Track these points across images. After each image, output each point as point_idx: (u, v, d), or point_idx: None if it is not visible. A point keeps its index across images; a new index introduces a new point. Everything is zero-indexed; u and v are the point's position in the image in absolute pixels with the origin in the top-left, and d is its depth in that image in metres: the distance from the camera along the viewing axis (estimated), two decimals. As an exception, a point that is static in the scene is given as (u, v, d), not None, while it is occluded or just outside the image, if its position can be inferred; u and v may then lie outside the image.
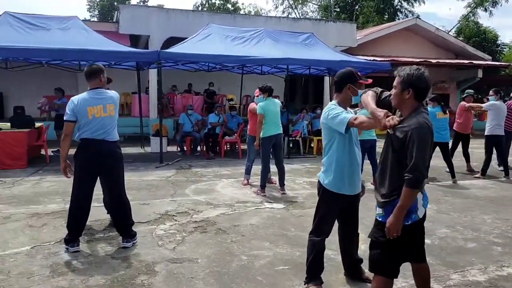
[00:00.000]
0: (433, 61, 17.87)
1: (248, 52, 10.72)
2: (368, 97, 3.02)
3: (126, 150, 11.58)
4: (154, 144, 11.05)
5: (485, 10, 32.45)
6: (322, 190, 3.47)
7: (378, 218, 2.86)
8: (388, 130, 2.76)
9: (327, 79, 16.30)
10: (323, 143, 3.51)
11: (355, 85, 3.37)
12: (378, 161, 3.08)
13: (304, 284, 3.52)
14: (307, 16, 38.56)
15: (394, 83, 2.80)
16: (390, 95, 2.92)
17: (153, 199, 6.30)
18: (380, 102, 2.95)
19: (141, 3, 37.55)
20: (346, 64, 11.60)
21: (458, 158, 9.26)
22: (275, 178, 7.23)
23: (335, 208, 3.47)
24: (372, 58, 16.86)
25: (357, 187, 3.45)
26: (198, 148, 11.38)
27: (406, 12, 36.08)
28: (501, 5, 32.25)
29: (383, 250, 2.82)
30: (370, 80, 3.44)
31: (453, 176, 7.97)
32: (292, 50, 11.23)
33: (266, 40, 11.53)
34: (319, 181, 3.50)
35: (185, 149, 11.30)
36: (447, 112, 8.15)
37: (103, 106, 4.18)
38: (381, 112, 2.80)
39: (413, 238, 2.85)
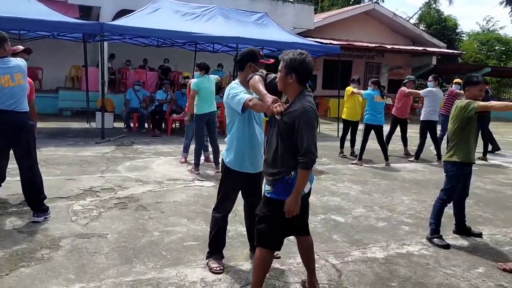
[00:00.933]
0: (388, 46, 18.20)
1: (198, 29, 10.56)
2: (256, 81, 3.06)
3: (71, 125, 11.35)
4: (99, 119, 10.83)
5: (446, -3, 33.04)
6: (224, 168, 3.52)
7: (266, 194, 2.95)
8: (276, 116, 2.82)
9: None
10: (226, 121, 3.54)
11: (256, 64, 3.40)
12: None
13: (206, 259, 3.60)
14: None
15: (279, 67, 2.86)
16: (275, 77, 2.99)
17: (81, 175, 6.21)
18: (267, 85, 3.01)
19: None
20: (298, 45, 11.63)
21: (398, 142, 9.57)
22: (212, 156, 7.26)
23: (237, 186, 3.53)
24: (329, 41, 17.01)
25: (259, 165, 3.50)
26: (146, 126, 11.24)
27: (370, -3, 36.47)
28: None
29: (269, 225, 2.92)
30: (272, 60, 3.48)
31: (386, 159, 8.22)
32: (243, 29, 11.15)
33: (218, 18, 11.40)
34: (222, 159, 3.54)
35: (132, 125, 11.13)
36: (385, 97, 8.35)
37: (10, 76, 4.05)
38: (270, 98, 2.86)
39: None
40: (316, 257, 3.84)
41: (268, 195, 2.93)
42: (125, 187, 5.73)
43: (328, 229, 4.60)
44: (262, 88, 2.98)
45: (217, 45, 12.10)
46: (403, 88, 9.18)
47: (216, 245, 3.59)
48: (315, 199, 5.71)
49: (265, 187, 2.98)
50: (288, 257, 3.83)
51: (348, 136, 8.96)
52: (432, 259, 3.95)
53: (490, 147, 10.16)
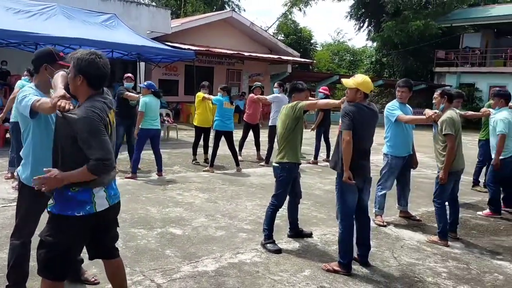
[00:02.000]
0: (246, 54, 18.70)
1: (37, 28, 9.49)
2: (57, 76, 2.69)
3: None
4: None
5: (300, 9, 35.57)
6: (21, 186, 3.00)
7: (48, 209, 2.58)
8: (58, 113, 2.44)
9: (142, 65, 15.69)
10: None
11: (53, 66, 2.96)
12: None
13: (2, 294, 3.05)
14: (135, -1, 36.93)
15: (69, 69, 2.52)
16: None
17: None
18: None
19: None
20: (148, 49, 11.28)
21: (253, 147, 9.74)
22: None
23: (35, 206, 3.02)
24: (188, 46, 16.84)
25: None
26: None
27: (233, 5, 37.42)
28: (311, 6, 35.74)
29: (54, 249, 2.49)
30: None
31: (237, 164, 8.27)
32: (88, 30, 10.35)
33: (59, 17, 10.42)
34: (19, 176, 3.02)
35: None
36: (233, 103, 8.41)
37: None
38: (58, 92, 2.48)
39: (95, 233, 2.65)
40: (141, 277, 3.57)
41: (49, 209, 2.56)
42: None
43: (162, 244, 4.32)
44: (61, 84, 2.59)
45: (59, 46, 10.98)
46: (251, 95, 9.39)
47: (15, 276, 3.04)
48: (155, 211, 5.41)
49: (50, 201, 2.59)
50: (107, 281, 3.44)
51: (201, 143, 8.83)
52: (262, 266, 3.92)
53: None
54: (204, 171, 8.05)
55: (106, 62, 2.56)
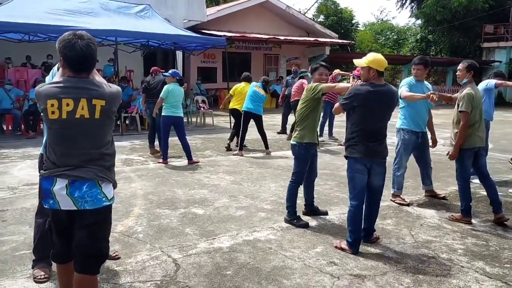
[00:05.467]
0: (282, 37, 18.62)
1: (73, 22, 9.95)
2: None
3: None
4: (-33, 124, 9.85)
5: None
6: None
7: None
8: None
9: (180, 54, 16.04)
10: None
11: None
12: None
13: (32, 268, 3.34)
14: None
15: None
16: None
17: None
18: None
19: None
20: (181, 37, 11.53)
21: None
22: None
23: None
24: (224, 33, 17.01)
25: None
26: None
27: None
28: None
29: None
30: None
31: (266, 147, 8.39)
32: (123, 22, 10.72)
33: (96, 10, 10.83)
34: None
35: (4, 128, 10.24)
36: (268, 90, 8.58)
37: None
38: None
39: (61, 231, 2.56)
40: (159, 253, 3.79)
41: None
42: (-32, 197, 5.21)
43: (183, 223, 4.53)
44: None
45: (97, 38, 11.46)
46: (303, 81, 9.33)
47: (40, 251, 3.34)
48: (181, 193, 5.65)
49: None
50: (129, 256, 3.69)
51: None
52: (276, 243, 4.04)
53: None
54: (234, 154, 8.22)
55: (87, 43, 2.41)
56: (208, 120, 13.05)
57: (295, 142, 4.54)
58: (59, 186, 2.40)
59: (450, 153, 4.66)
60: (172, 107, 7.14)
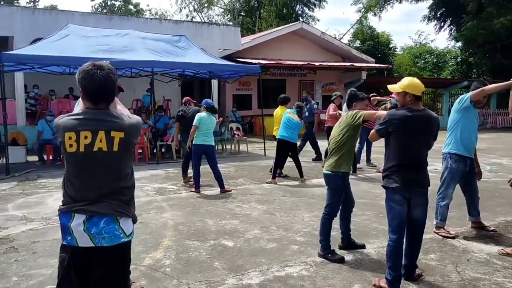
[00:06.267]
0: (316, 63, 18.54)
1: (112, 54, 10.25)
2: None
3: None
4: (11, 154, 10.17)
5: (375, 14, 34.59)
6: None
7: None
8: None
9: (215, 82, 16.22)
10: None
11: None
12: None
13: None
14: (212, 20, 38.45)
15: None
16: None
17: (-42, 217, 5.67)
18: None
19: (30, 3, 35.21)
20: (216, 67, 11.64)
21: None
22: None
23: None
24: (259, 61, 17.14)
25: None
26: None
27: (307, 17, 37.49)
28: (387, 10, 34.58)
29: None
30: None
31: (301, 175, 8.17)
32: (160, 53, 10.96)
33: (134, 42, 11.14)
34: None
35: (45, 158, 10.54)
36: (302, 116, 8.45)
37: None
38: None
39: (79, 269, 2.40)
40: (185, 290, 3.62)
41: None
42: (3, 227, 5.26)
43: (212, 256, 4.36)
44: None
45: (134, 70, 11.76)
46: (333, 105, 9.62)
47: None
48: (212, 223, 5.50)
49: None
50: None
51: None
52: (309, 280, 3.79)
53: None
54: (267, 182, 8.05)
55: (106, 74, 2.33)
56: (243, 147, 12.99)
57: (330, 172, 4.30)
58: (77, 222, 2.30)
59: None
60: (203, 135, 7.09)
